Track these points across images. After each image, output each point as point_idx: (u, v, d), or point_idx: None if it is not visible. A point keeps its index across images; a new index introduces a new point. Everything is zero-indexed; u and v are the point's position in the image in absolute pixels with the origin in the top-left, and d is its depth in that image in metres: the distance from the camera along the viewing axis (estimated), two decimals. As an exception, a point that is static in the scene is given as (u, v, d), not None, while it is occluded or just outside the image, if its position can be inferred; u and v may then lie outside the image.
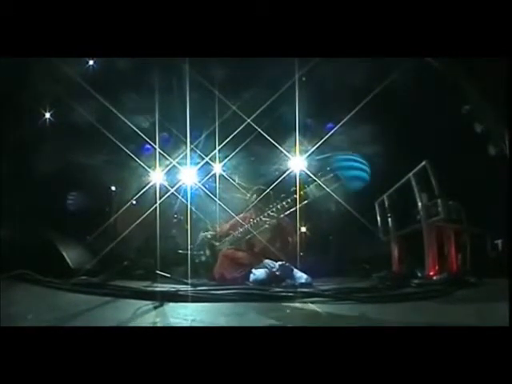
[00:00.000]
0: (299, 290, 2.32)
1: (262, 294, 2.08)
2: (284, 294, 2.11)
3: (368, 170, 4.01)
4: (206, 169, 3.86)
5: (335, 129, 3.44)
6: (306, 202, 3.08)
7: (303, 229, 4.00)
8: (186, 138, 3.49)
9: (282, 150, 3.48)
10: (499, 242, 3.04)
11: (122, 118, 3.37)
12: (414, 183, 3.25)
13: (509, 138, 2.39)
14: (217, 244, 3.65)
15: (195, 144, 3.71)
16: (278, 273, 3.08)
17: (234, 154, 3.78)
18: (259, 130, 3.45)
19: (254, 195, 3.60)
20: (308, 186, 3.09)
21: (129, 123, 3.42)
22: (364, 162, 4.03)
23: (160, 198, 3.51)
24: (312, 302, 1.92)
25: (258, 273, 3.12)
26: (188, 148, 3.60)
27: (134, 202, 3.91)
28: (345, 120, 3.31)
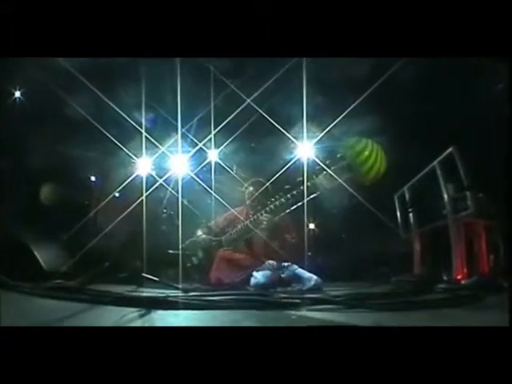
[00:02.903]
0: (307, 295, 2.31)
1: (264, 300, 2.06)
2: (289, 300, 2.09)
3: (384, 158, 4.00)
4: (199, 156, 3.84)
5: (348, 110, 3.41)
6: (314, 195, 3.07)
7: (311, 225, 4.00)
8: (176, 121, 3.46)
9: (286, 134, 3.46)
10: (536, 240, 3.03)
11: (102, 96, 3.33)
12: (438, 173, 3.23)
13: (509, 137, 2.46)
14: (212, 243, 3.64)
15: (187, 128, 3.69)
16: (283, 275, 3.08)
17: (231, 139, 3.76)
18: (260, 111, 3.42)
19: (251, 188, 3.59)
20: (316, 177, 3.08)
21: (110, 103, 3.38)
22: (380, 149, 4.01)
23: (147, 190, 3.50)
24: (321, 310, 1.92)
25: (260, 276, 3.12)
26: (179, 132, 3.57)
27: (117, 195, 3.89)
28: (359, 100, 3.27)
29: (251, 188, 3.60)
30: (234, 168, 4.22)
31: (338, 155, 3.14)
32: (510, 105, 2.10)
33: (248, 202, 3.61)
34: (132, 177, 3.68)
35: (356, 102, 3.28)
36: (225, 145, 3.80)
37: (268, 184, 3.52)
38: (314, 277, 3.02)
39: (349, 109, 3.34)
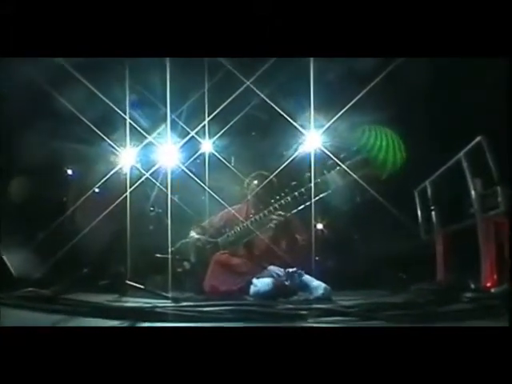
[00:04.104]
0: (315, 306, 2.30)
1: (265, 311, 2.06)
2: (295, 311, 2.08)
3: (402, 148, 3.99)
4: (191, 147, 3.82)
5: (362, 93, 3.39)
6: (325, 193, 3.06)
7: (320, 225, 3.98)
8: (165, 106, 3.44)
9: (293, 123, 3.44)
10: None
11: (79, 77, 3.30)
12: (465, 166, 3.22)
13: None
14: (207, 246, 3.63)
15: (177, 114, 3.67)
16: (287, 283, 3.07)
17: (228, 126, 3.75)
18: (262, 95, 3.40)
19: (254, 183, 3.57)
20: (328, 173, 3.07)
21: (89, 86, 3.36)
22: (396, 138, 4.00)
23: (131, 185, 3.49)
24: (331, 322, 1.91)
25: (261, 284, 3.10)
26: (168, 119, 3.56)
27: (97, 191, 3.88)
28: (371, 86, 3.25)
29: (255, 182, 3.57)
30: (232, 160, 4.21)
31: (354, 148, 3.12)
32: (510, 104, 2.26)
33: (251, 199, 3.59)
34: (114, 170, 3.67)
35: (367, 88, 3.26)
36: (220, 133, 3.79)
37: (272, 177, 3.48)
38: (323, 285, 3.00)
39: (360, 94, 3.32)
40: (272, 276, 3.13)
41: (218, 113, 3.50)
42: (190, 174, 3.76)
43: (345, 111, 3.33)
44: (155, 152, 3.76)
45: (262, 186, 3.48)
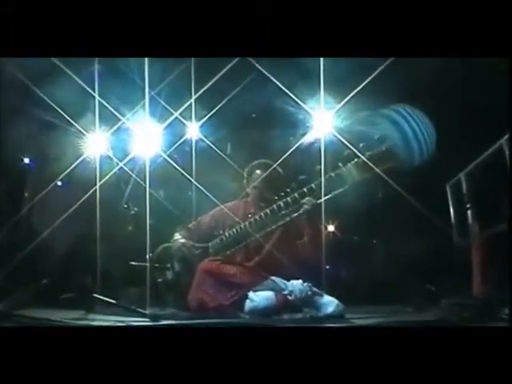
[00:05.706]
0: (324, 325, 2.28)
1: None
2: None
3: (433, 132, 3.97)
4: (175, 131, 3.80)
5: (383, 67, 3.36)
6: (341, 190, 3.05)
7: (331, 228, 3.96)
8: (142, 81, 3.41)
9: (296, 100, 3.41)
10: None
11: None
12: (507, 154, 3.19)
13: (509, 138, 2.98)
14: (194, 251, 3.61)
15: (157, 91, 3.65)
16: (291, 297, 3.05)
17: (220, 105, 3.72)
18: (262, 69, 3.37)
19: (257, 172, 3.55)
20: (344, 166, 3.05)
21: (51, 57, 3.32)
22: (426, 120, 3.98)
23: (101, 178, 3.47)
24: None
25: (260, 298, 3.09)
26: (146, 97, 3.53)
27: (60, 184, 3.86)
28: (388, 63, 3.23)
29: (258, 172, 3.55)
30: (228, 148, 4.19)
31: (376, 137, 3.10)
32: (510, 105, 2.55)
33: (251, 194, 3.57)
34: (80, 159, 3.64)
35: (387, 62, 3.23)
36: (210, 114, 3.76)
37: (277, 168, 3.46)
38: (335, 301, 2.99)
39: (378, 70, 3.29)
40: (272, 289, 3.11)
41: (207, 89, 3.46)
42: (174, 164, 3.73)
43: (363, 93, 3.29)
44: (130, 137, 3.73)
45: (264, 177, 3.46)
